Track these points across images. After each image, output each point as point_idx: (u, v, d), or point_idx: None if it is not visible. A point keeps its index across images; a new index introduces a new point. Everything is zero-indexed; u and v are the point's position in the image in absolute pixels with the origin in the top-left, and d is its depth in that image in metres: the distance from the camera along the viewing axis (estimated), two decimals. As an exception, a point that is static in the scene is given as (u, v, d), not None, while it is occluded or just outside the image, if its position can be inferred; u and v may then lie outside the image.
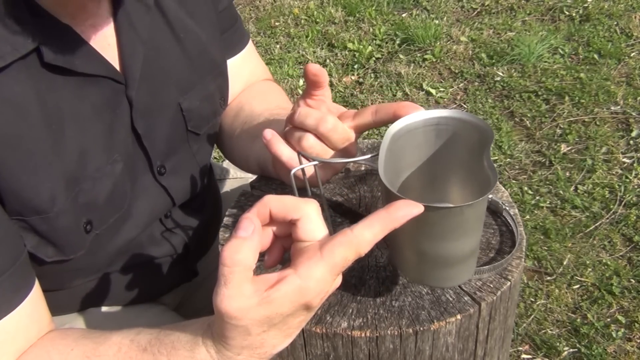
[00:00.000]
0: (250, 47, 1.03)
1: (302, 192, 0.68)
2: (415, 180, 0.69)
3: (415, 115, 0.66)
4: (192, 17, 0.86)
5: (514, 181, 2.06)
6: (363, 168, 0.90)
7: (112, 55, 0.75)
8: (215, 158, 2.23)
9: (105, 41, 0.75)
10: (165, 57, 0.82)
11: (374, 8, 3.13)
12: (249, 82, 1.04)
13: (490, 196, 0.84)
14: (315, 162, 0.68)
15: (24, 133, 0.65)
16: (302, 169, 0.69)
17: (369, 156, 0.67)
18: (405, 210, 0.53)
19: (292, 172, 0.66)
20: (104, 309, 0.91)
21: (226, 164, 1.27)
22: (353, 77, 2.73)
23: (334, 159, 0.74)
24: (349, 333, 0.69)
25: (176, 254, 0.94)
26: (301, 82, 2.69)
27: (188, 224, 0.95)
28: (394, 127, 0.65)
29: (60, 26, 0.68)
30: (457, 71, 2.64)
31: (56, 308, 0.88)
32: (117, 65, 0.75)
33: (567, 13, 2.91)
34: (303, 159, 0.70)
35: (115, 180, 0.75)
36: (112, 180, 0.75)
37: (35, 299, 0.69)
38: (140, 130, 0.79)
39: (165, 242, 0.91)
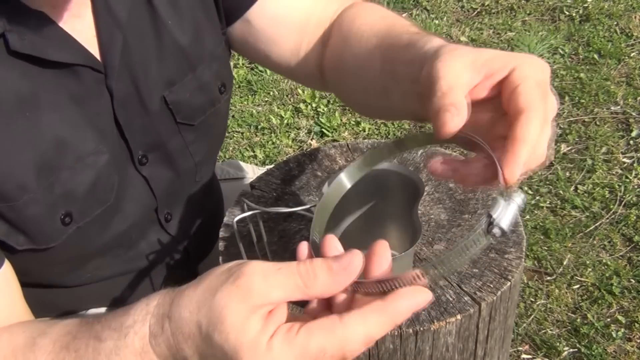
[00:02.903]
0: None
1: (258, 239, 0.77)
2: (356, 226, 0.75)
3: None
4: None
5: (514, 181, 2.06)
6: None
7: (93, 44, 0.72)
8: (215, 158, 2.22)
9: (89, 31, 0.71)
10: (148, 46, 0.77)
11: (374, 8, 3.13)
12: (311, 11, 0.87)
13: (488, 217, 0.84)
14: (257, 211, 0.73)
15: None
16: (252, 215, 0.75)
17: (307, 206, 0.73)
18: (409, 300, 0.43)
19: (234, 220, 0.71)
20: (104, 310, 0.91)
21: (226, 164, 1.27)
22: (353, 77, 2.72)
23: (274, 209, 0.81)
24: (349, 333, 0.69)
25: (177, 257, 0.93)
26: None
27: (190, 225, 0.94)
28: (334, 179, 0.72)
29: (31, 12, 0.64)
30: (457, 71, 2.64)
31: (55, 308, 0.88)
32: (97, 54, 0.72)
33: (567, 13, 2.91)
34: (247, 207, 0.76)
35: (99, 172, 0.73)
36: (94, 171, 0.72)
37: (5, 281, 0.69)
38: (122, 121, 0.76)
39: (166, 244, 0.91)
